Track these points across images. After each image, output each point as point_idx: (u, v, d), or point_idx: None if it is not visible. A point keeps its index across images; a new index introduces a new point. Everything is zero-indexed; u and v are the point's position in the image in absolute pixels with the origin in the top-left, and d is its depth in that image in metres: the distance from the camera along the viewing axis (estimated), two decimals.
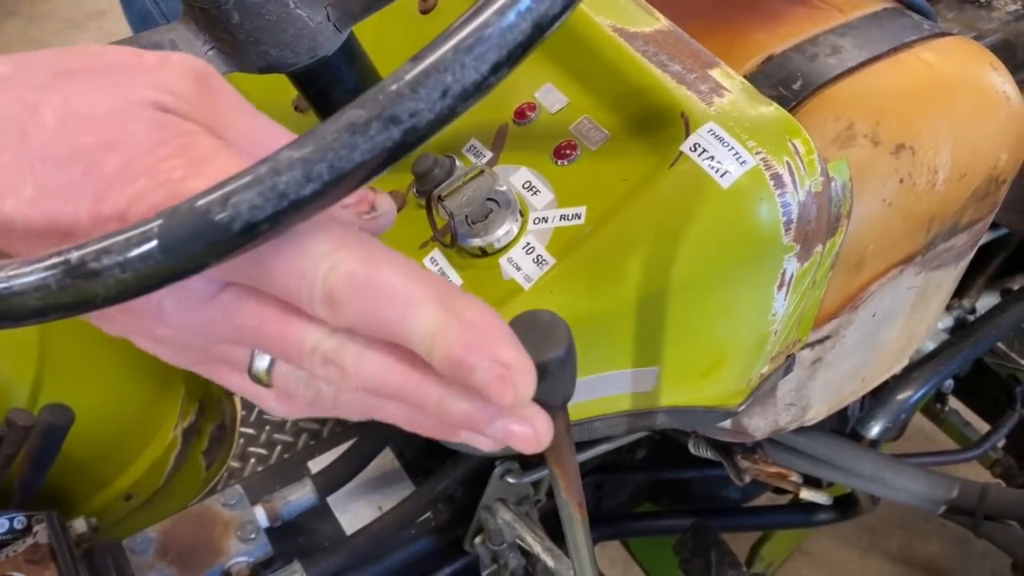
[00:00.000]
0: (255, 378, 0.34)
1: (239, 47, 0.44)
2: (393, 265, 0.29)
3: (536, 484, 0.79)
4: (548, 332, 0.31)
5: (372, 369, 0.30)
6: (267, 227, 0.27)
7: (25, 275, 0.27)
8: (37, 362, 0.88)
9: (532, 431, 0.31)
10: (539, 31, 0.28)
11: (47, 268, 0.27)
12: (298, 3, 0.43)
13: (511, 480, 0.78)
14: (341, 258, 0.29)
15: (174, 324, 0.32)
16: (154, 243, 0.27)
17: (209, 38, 0.45)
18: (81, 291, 0.27)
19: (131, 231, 0.27)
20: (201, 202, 0.27)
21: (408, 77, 0.27)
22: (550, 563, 0.64)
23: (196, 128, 0.31)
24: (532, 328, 0.31)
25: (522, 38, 0.28)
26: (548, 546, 0.65)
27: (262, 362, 0.34)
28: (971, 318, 0.94)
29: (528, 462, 0.79)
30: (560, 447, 0.37)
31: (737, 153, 0.44)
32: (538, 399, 0.30)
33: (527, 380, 0.29)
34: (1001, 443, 1.12)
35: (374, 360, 0.30)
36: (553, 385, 0.31)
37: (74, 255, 0.27)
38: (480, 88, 0.28)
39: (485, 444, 0.33)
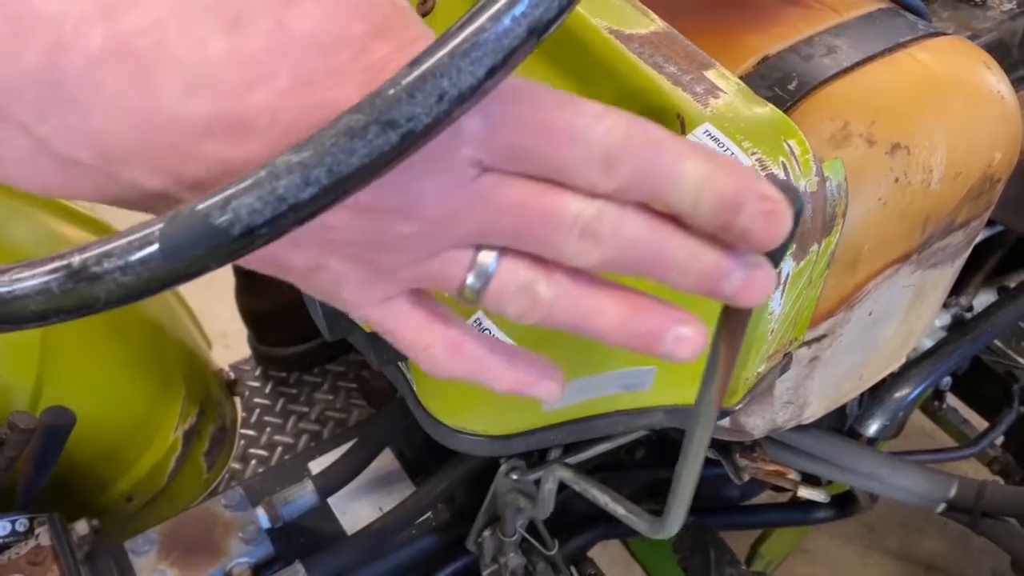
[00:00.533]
0: (468, 292, 0.33)
1: None
2: (653, 124, 0.31)
3: (538, 482, 0.79)
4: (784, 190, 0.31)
5: (631, 230, 0.31)
6: (266, 231, 0.28)
7: (27, 279, 0.28)
8: (39, 364, 0.88)
9: (769, 280, 0.32)
10: (534, 35, 0.28)
11: (49, 272, 0.28)
12: None
13: (515, 477, 0.78)
14: (614, 118, 0.30)
15: (426, 214, 0.31)
16: (155, 247, 0.27)
17: None
18: (83, 295, 0.28)
19: (133, 235, 0.28)
20: (202, 206, 0.27)
21: (405, 82, 0.27)
22: (620, 511, 0.63)
23: None
24: None
25: (517, 43, 0.28)
26: (615, 496, 0.65)
27: (487, 262, 0.33)
28: (968, 316, 0.94)
29: (532, 460, 0.79)
30: (739, 330, 0.37)
31: (733, 153, 0.44)
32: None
33: (788, 221, 0.30)
34: (999, 440, 1.13)
35: (632, 221, 0.31)
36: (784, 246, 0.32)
37: (76, 259, 0.28)
38: (476, 92, 0.28)
39: (690, 349, 0.33)
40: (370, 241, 0.32)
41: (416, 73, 0.27)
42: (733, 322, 0.37)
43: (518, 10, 0.27)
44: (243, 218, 0.27)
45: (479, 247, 0.33)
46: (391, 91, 0.27)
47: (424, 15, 0.59)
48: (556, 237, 0.32)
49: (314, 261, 0.33)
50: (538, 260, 0.33)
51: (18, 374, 0.87)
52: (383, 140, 0.27)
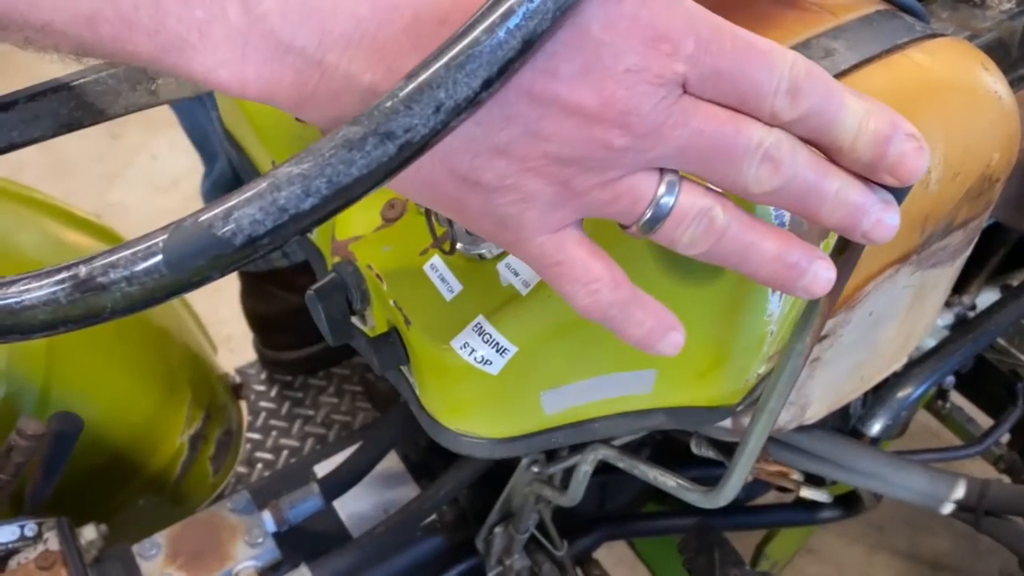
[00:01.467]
0: (650, 217, 0.35)
1: None
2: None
3: (567, 471, 0.79)
4: None
5: (803, 159, 0.35)
6: (267, 241, 0.28)
7: (35, 289, 0.28)
8: (45, 370, 0.89)
9: (896, 218, 0.36)
10: (528, 47, 0.29)
11: (56, 283, 0.28)
12: None
13: (536, 470, 0.79)
14: (795, 53, 0.34)
15: (640, 129, 0.33)
16: (159, 258, 0.28)
17: None
18: (90, 305, 0.28)
19: (137, 246, 0.28)
20: (204, 217, 0.28)
21: (402, 94, 0.28)
22: (670, 484, 0.64)
23: None
24: None
25: (512, 54, 0.28)
26: (664, 471, 0.66)
27: (673, 185, 0.35)
28: (971, 315, 0.94)
29: (554, 454, 0.80)
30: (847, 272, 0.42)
31: None
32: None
33: (927, 155, 0.35)
34: (1005, 438, 1.13)
35: (803, 151, 0.35)
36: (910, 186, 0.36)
37: (82, 269, 0.28)
38: (472, 103, 0.28)
39: (823, 284, 0.37)
40: (581, 154, 0.33)
41: (412, 85, 0.28)
42: (842, 264, 0.41)
43: (512, 22, 0.28)
44: (245, 228, 0.27)
45: (663, 171, 0.35)
46: (388, 103, 0.28)
47: None
48: (741, 162, 0.34)
49: (510, 177, 0.34)
50: (710, 189, 0.36)
51: (25, 379, 0.88)
52: (381, 151, 0.28)
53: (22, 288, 0.28)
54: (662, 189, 0.35)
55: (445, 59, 0.28)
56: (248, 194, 0.28)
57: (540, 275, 0.38)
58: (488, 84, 0.28)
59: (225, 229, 0.28)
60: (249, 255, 0.28)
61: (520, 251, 0.37)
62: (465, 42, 0.28)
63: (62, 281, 0.28)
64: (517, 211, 0.35)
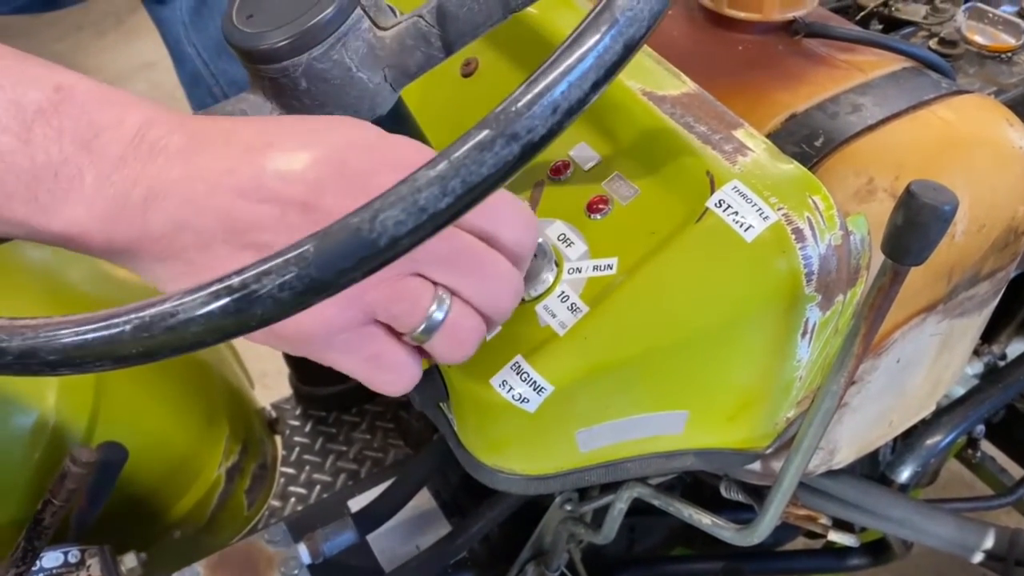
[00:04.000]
0: (428, 324, 0.41)
1: (305, 111, 0.47)
2: None
3: (601, 509, 0.80)
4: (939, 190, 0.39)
5: None
6: (408, 240, 0.31)
7: (190, 304, 0.30)
8: (93, 401, 0.91)
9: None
10: (629, 51, 0.32)
11: (211, 295, 0.30)
12: (360, 67, 0.46)
13: (569, 508, 0.80)
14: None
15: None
16: (310, 263, 0.30)
17: (277, 105, 0.48)
18: (242, 315, 0.30)
19: (288, 253, 0.30)
20: (352, 221, 0.31)
21: (524, 100, 0.31)
22: (705, 522, 0.66)
23: None
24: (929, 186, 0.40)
25: (616, 58, 0.32)
26: (699, 509, 0.67)
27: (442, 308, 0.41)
28: (1001, 364, 0.95)
29: (587, 493, 0.81)
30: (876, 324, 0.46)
31: (760, 209, 0.47)
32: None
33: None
34: None
35: None
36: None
37: (235, 280, 0.30)
38: (583, 104, 0.32)
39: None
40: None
41: (535, 91, 0.32)
42: (873, 312, 0.45)
43: (616, 30, 0.32)
44: (389, 229, 0.30)
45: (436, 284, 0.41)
46: (513, 107, 0.31)
47: (467, 76, 0.62)
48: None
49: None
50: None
51: (74, 410, 0.90)
52: (508, 151, 0.31)
53: (176, 304, 0.30)
54: (434, 305, 0.41)
55: (563, 67, 0.32)
56: (391, 197, 0.31)
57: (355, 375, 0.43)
58: (597, 86, 0.33)
59: (372, 231, 0.30)
60: (391, 256, 0.31)
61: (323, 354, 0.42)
62: (580, 50, 0.32)
63: (217, 294, 0.30)
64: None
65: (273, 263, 0.30)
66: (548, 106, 0.32)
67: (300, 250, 0.30)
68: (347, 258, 0.30)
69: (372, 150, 0.40)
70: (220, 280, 0.30)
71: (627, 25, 0.33)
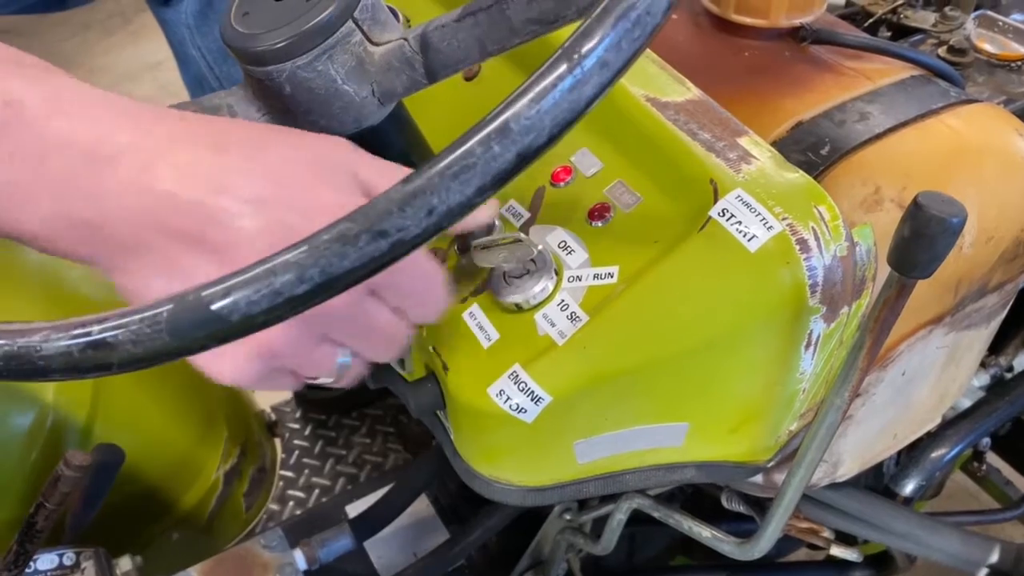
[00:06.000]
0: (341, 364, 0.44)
1: (290, 115, 0.47)
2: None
3: (600, 519, 0.80)
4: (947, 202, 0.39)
5: None
6: (262, 319, 0.30)
7: (54, 341, 0.31)
8: (91, 401, 0.91)
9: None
10: (522, 162, 0.31)
11: (72, 338, 0.31)
12: (346, 79, 0.46)
13: (568, 517, 0.79)
14: None
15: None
16: (162, 326, 0.31)
17: (263, 105, 0.48)
18: (98, 359, 0.31)
19: (144, 312, 0.31)
20: (205, 293, 0.31)
21: (397, 197, 0.31)
22: (705, 535, 0.65)
23: None
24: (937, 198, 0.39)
25: (506, 166, 0.31)
26: (699, 521, 0.67)
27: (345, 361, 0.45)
28: (1008, 376, 0.94)
29: (586, 503, 0.80)
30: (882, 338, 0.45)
31: (764, 218, 0.46)
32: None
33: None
34: None
35: None
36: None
37: (95, 328, 0.31)
38: (465, 208, 0.31)
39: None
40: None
41: (408, 189, 0.31)
42: (879, 324, 0.44)
43: (508, 140, 0.31)
44: (241, 307, 0.31)
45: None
46: (384, 205, 0.31)
47: (469, 79, 0.61)
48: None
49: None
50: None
51: (72, 411, 0.90)
52: (374, 247, 0.31)
53: (42, 338, 0.31)
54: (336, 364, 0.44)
55: (439, 168, 0.31)
56: (246, 276, 0.31)
57: None
58: (482, 192, 0.32)
59: (222, 305, 0.30)
60: (245, 331, 0.31)
61: None
62: (459, 153, 0.31)
63: (76, 336, 0.31)
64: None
65: (129, 319, 0.31)
66: (422, 207, 0.31)
67: (156, 311, 0.31)
68: (198, 328, 0.31)
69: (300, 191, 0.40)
70: (82, 324, 0.31)
71: (522, 134, 0.31)
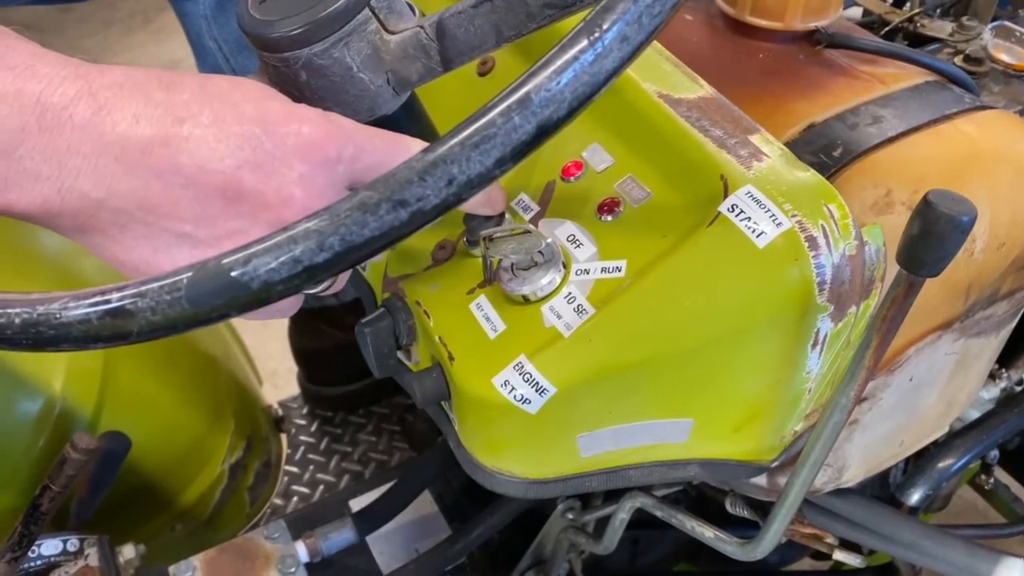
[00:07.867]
0: None
1: (304, 101, 0.47)
2: None
3: (603, 518, 0.79)
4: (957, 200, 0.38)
5: None
6: (282, 287, 0.31)
7: (73, 308, 0.31)
8: (99, 390, 0.92)
9: None
10: (543, 133, 0.31)
11: (91, 305, 0.31)
12: (361, 67, 0.46)
13: (571, 516, 0.79)
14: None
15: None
16: (181, 293, 0.31)
17: (280, 91, 0.48)
18: (117, 327, 0.31)
19: (164, 280, 0.31)
20: (226, 260, 0.30)
21: (418, 166, 0.31)
22: (707, 535, 0.65)
23: None
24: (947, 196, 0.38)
25: (526, 138, 0.31)
26: (701, 521, 0.66)
27: None
28: (1018, 389, 0.93)
29: (590, 502, 0.80)
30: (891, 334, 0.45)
31: (773, 215, 0.46)
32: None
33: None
34: None
35: None
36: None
37: (114, 295, 0.31)
38: (484, 179, 0.31)
39: None
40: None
41: (429, 159, 0.31)
42: (885, 325, 0.44)
43: (529, 111, 0.31)
44: (261, 275, 0.31)
45: None
46: (403, 174, 0.31)
47: (483, 75, 0.62)
48: None
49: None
50: None
51: (80, 398, 0.90)
52: (393, 216, 0.31)
53: (60, 305, 0.31)
54: None
55: (459, 138, 0.31)
56: (267, 243, 0.31)
57: None
58: (501, 163, 0.32)
59: (242, 272, 0.30)
60: (265, 299, 0.31)
61: None
62: (481, 122, 0.31)
63: (95, 304, 0.31)
64: None
65: (148, 286, 0.31)
66: (442, 177, 0.31)
67: (175, 278, 0.31)
68: (218, 295, 0.31)
69: (283, 133, 0.41)
70: (101, 292, 0.31)
71: (542, 106, 0.31)
